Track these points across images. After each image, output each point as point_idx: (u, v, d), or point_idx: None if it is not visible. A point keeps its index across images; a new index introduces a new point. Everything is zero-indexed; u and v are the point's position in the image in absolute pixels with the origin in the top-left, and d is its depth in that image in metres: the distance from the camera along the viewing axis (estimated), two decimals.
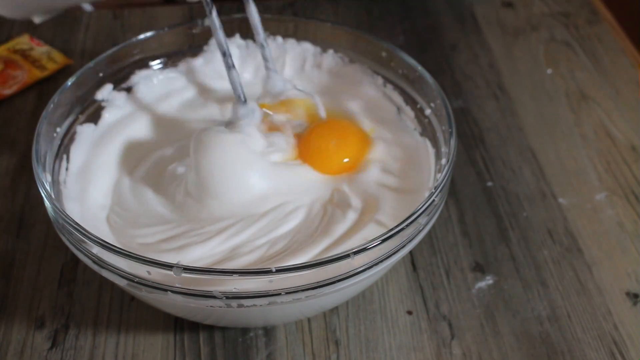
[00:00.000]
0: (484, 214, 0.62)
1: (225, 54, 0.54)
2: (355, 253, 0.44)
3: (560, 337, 0.54)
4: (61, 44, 0.80)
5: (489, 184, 0.65)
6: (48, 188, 0.49)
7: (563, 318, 0.55)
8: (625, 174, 0.66)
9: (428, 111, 0.57)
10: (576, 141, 0.70)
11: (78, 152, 0.57)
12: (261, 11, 0.78)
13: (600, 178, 0.66)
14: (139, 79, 0.62)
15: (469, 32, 0.82)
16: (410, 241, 0.47)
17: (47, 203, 0.48)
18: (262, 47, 0.58)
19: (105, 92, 0.60)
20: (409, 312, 0.55)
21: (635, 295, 0.56)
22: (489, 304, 0.56)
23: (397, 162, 0.57)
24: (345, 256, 0.44)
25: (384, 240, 0.45)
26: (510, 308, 0.55)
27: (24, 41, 0.79)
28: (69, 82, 0.56)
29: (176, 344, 0.53)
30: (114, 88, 0.60)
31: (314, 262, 0.44)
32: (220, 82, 0.63)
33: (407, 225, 0.46)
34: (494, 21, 0.84)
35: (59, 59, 0.77)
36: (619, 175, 0.66)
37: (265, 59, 0.58)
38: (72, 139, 0.57)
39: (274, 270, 0.43)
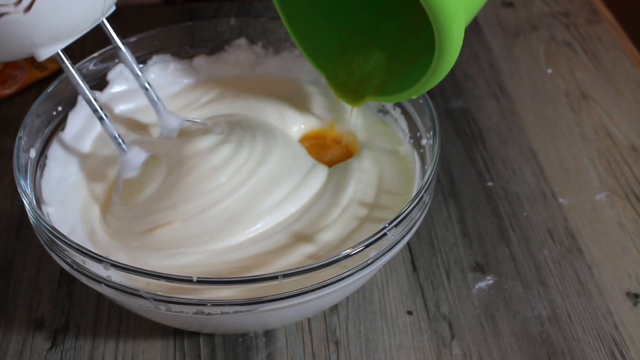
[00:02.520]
0: (484, 214, 0.62)
1: (96, 110, 0.51)
2: (285, 276, 0.43)
3: (561, 337, 0.54)
4: None
5: (489, 183, 0.65)
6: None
7: (563, 318, 0.55)
8: (626, 174, 0.66)
9: (424, 141, 0.55)
10: (576, 141, 0.69)
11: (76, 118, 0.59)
12: (261, 12, 0.78)
13: (600, 178, 0.66)
14: (154, 62, 0.63)
15: (468, 31, 0.82)
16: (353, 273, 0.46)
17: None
18: (145, 89, 0.55)
19: (117, 71, 0.61)
20: (409, 312, 0.55)
21: (636, 296, 0.56)
22: (489, 304, 0.56)
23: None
24: (274, 277, 0.43)
25: (316, 268, 0.44)
26: (511, 308, 0.55)
27: None
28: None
29: (176, 344, 0.53)
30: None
31: (238, 279, 0.44)
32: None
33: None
34: (494, 21, 0.84)
35: None
36: (619, 175, 0.66)
37: (152, 100, 0.55)
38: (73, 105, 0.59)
39: (194, 280, 0.43)
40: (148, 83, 0.55)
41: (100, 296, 0.56)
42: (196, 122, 0.56)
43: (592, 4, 0.87)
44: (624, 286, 0.57)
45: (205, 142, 0.52)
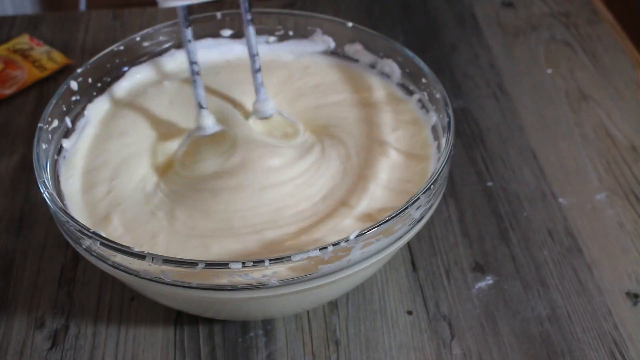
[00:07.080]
0: (484, 214, 0.62)
1: (192, 62, 0.56)
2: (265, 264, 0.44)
3: (560, 337, 0.54)
4: (61, 44, 0.80)
5: (489, 183, 0.65)
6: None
7: (563, 318, 0.55)
8: (626, 174, 0.66)
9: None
10: (576, 141, 0.70)
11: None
12: (262, 11, 0.78)
13: (600, 178, 0.66)
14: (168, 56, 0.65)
15: (469, 32, 0.82)
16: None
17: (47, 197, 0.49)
18: (255, 72, 0.58)
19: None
20: (409, 312, 0.55)
21: (636, 295, 0.56)
22: (489, 304, 0.56)
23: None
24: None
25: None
26: (511, 308, 0.55)
27: (23, 41, 0.79)
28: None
29: (176, 344, 0.53)
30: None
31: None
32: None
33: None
34: (494, 21, 0.84)
35: (59, 59, 0.77)
36: (619, 175, 0.66)
37: (256, 83, 0.59)
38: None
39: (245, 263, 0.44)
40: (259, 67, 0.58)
41: (100, 296, 0.56)
42: (288, 119, 0.59)
43: (592, 4, 0.87)
44: (624, 286, 0.57)
45: (276, 162, 0.54)
